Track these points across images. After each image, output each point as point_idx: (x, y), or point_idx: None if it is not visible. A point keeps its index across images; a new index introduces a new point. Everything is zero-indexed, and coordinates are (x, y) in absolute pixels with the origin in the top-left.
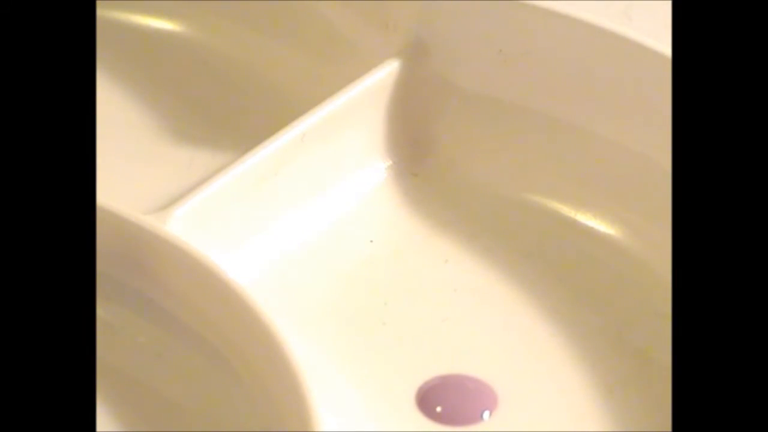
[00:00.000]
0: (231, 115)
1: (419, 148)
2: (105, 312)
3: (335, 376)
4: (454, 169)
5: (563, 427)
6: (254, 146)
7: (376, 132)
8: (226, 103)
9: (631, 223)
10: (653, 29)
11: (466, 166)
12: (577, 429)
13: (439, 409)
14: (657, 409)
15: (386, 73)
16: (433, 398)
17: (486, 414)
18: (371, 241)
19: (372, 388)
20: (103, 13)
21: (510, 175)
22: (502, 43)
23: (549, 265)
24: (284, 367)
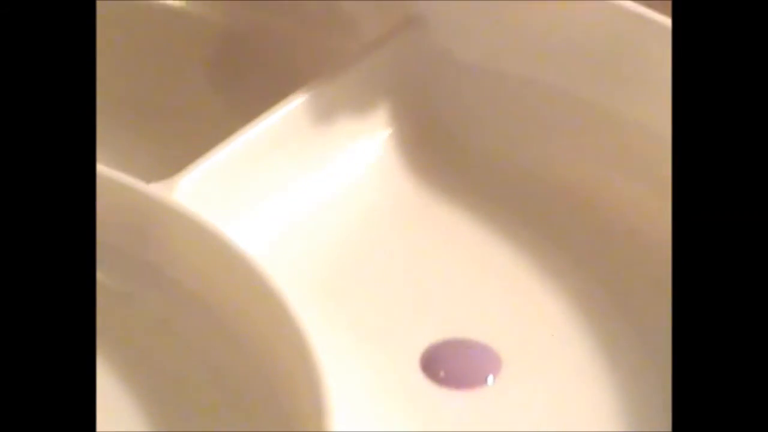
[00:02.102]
0: (236, 87)
1: (420, 118)
2: (112, 281)
3: (340, 342)
4: (454, 138)
5: (567, 389)
6: (258, 116)
7: (378, 103)
8: (231, 75)
9: (631, 189)
10: None
11: (465, 136)
12: (581, 390)
13: (442, 373)
14: (657, 370)
15: (387, 45)
16: (438, 362)
17: (490, 378)
18: (374, 209)
19: (377, 353)
20: None
21: (509, 144)
22: (500, 15)
23: (549, 232)
24: (291, 332)
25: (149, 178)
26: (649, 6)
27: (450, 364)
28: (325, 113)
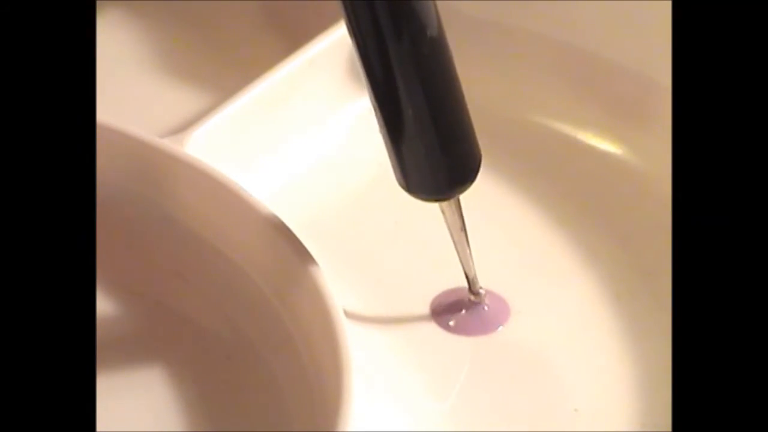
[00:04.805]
0: (243, 43)
1: None
2: (126, 234)
3: (349, 291)
4: None
5: (575, 335)
6: (265, 71)
7: None
8: (238, 32)
9: (631, 140)
10: None
11: (468, 89)
12: (588, 336)
13: (452, 323)
14: (660, 313)
15: None
16: (447, 312)
17: (500, 327)
18: (380, 164)
19: (386, 302)
20: None
21: (511, 96)
22: None
23: (553, 183)
24: (306, 279)
25: (160, 133)
26: None
27: (459, 314)
28: (329, 68)
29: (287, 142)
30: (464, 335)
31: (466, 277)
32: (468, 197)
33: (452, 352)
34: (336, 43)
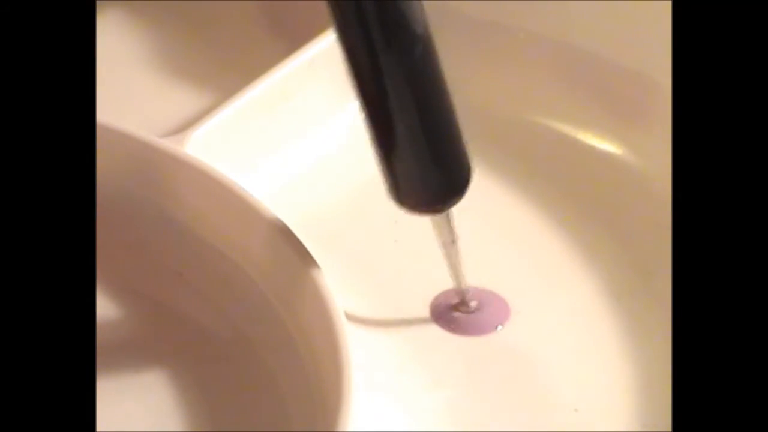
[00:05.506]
0: (243, 43)
1: None
2: (126, 234)
3: (349, 292)
4: (455, 92)
5: (574, 335)
6: (265, 72)
7: None
8: (238, 32)
9: (632, 140)
10: None
11: (467, 90)
12: (588, 336)
13: (452, 323)
14: (660, 312)
15: None
16: (447, 312)
17: (499, 327)
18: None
19: (386, 302)
20: None
21: (511, 97)
22: None
23: (553, 183)
24: (306, 278)
25: (161, 133)
26: None
27: (459, 314)
28: (329, 68)
29: (287, 142)
30: (464, 335)
31: (457, 291)
32: (468, 197)
33: (452, 352)
34: (336, 43)
